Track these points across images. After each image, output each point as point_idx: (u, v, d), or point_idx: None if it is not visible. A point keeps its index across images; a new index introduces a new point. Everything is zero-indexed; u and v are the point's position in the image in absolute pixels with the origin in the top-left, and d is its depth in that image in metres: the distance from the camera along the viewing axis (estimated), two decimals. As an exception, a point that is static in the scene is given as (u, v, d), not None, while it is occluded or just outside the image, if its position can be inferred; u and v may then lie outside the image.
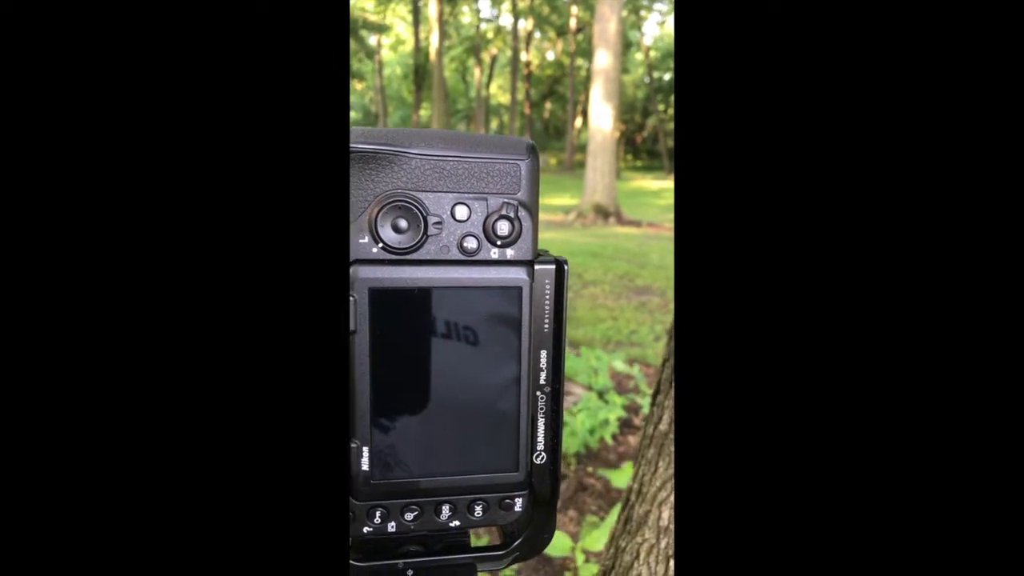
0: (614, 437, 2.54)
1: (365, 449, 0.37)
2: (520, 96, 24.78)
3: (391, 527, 0.39)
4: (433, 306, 0.37)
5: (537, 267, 0.38)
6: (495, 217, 0.37)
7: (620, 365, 3.07)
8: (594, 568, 1.39)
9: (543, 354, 0.39)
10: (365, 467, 0.38)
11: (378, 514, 0.39)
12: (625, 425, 2.66)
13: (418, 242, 0.36)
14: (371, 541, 0.39)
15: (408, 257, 0.36)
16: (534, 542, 0.43)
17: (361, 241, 0.36)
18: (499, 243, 0.37)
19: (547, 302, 0.38)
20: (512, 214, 0.37)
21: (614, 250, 7.05)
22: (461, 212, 0.37)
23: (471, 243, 0.37)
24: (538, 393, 0.40)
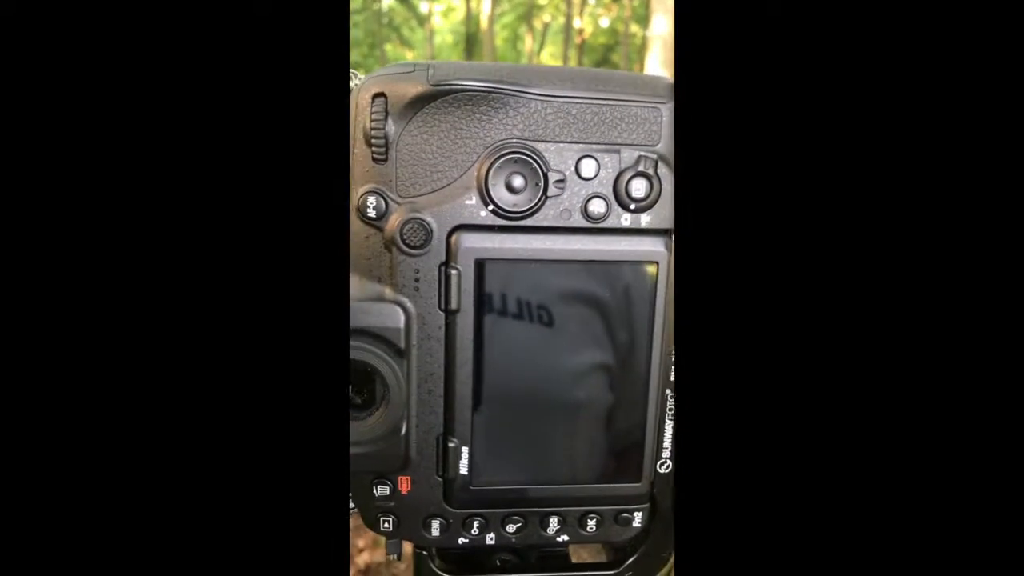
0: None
1: (464, 449, 0.32)
2: (572, 64, 24.53)
3: (490, 539, 0.33)
4: (550, 284, 0.30)
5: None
6: (629, 174, 0.30)
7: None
8: None
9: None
10: (464, 470, 0.32)
11: (476, 524, 0.33)
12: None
13: (536, 204, 0.29)
14: (460, 549, 0.34)
15: (523, 223, 0.30)
16: (649, 562, 0.36)
17: (468, 202, 0.30)
18: (633, 207, 0.30)
19: None
20: (650, 170, 0.29)
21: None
22: (588, 168, 0.30)
23: (598, 206, 0.30)
24: (668, 391, 0.33)
